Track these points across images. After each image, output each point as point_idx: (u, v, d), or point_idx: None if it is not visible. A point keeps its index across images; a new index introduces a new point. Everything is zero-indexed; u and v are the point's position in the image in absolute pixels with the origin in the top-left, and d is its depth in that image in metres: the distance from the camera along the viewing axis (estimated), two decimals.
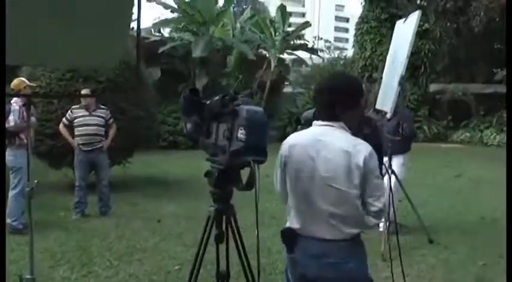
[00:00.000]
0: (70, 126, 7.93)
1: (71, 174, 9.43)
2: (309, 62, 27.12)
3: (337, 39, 63.59)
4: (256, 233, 2.55)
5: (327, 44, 30.76)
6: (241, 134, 2.49)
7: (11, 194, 6.96)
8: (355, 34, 24.17)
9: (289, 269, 2.94)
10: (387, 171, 6.89)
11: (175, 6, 20.43)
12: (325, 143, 2.72)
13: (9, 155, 6.94)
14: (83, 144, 7.83)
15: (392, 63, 6.80)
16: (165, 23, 21.02)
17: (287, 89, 25.35)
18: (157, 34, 21.02)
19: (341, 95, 2.80)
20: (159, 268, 5.77)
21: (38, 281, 5.27)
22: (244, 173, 2.69)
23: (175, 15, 21.46)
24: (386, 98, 6.32)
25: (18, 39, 3.14)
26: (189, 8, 19.63)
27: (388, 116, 7.02)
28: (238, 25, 22.59)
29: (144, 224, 7.59)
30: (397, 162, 7.07)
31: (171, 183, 11.19)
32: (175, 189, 10.44)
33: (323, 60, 27.57)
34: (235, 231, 2.86)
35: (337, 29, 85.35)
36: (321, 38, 31.79)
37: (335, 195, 2.69)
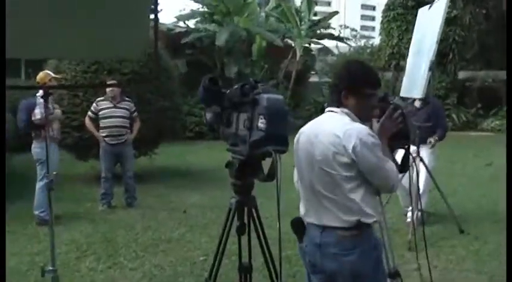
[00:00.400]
0: (96, 119, 7.95)
1: (97, 166, 9.48)
2: (335, 51, 26.86)
3: (363, 27, 62.94)
4: (278, 225, 2.48)
5: (353, 33, 30.42)
6: (261, 123, 2.43)
7: (38, 185, 7.03)
8: (382, 22, 23.79)
9: (301, 258, 2.97)
10: (414, 160, 6.82)
11: None
12: (322, 128, 2.75)
13: (36, 148, 7.03)
14: (107, 136, 7.84)
15: (418, 51, 6.66)
16: (190, 15, 20.96)
17: (313, 79, 25.14)
18: (183, 25, 20.95)
19: (345, 81, 2.83)
20: (185, 259, 5.76)
21: (63, 272, 5.36)
22: (266, 164, 2.65)
23: (199, 6, 21.41)
24: (413, 84, 6.20)
25: (37, 32, 3.13)
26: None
27: (417, 103, 6.90)
28: (263, 15, 22.45)
29: (169, 215, 7.60)
30: (426, 151, 6.97)
31: (197, 174, 11.18)
32: (201, 180, 10.43)
33: (349, 49, 27.27)
34: (257, 223, 2.80)
35: (363, 17, 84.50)
36: (347, 27, 31.47)
37: (328, 180, 2.70)
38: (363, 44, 28.52)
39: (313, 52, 24.47)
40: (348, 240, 2.73)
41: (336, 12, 24.26)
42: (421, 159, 6.76)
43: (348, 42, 27.20)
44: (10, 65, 9.42)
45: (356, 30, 32.13)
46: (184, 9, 25.01)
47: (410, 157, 3.06)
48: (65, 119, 8.92)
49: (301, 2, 23.56)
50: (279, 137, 2.46)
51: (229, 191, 3.05)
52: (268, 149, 2.43)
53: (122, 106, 7.93)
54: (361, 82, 2.83)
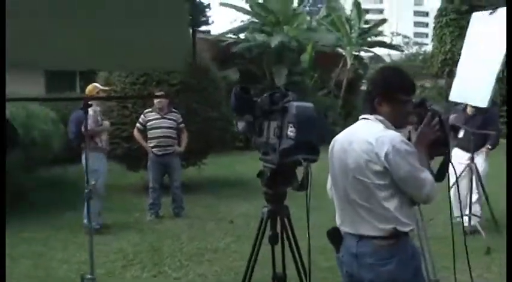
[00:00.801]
0: (144, 130, 8.08)
1: (147, 177, 9.63)
2: (387, 59, 26.55)
3: (417, 34, 62.08)
4: (307, 235, 2.44)
5: (405, 40, 30.00)
6: (290, 131, 2.41)
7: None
8: (434, 27, 23.38)
9: (338, 269, 2.91)
10: (468, 166, 6.75)
11: (248, 8, 20.54)
12: (356, 136, 2.70)
13: (85, 158, 7.16)
14: (155, 146, 7.95)
15: (477, 58, 6.51)
16: (241, 29, 21.13)
17: (365, 87, 24.90)
18: (233, 36, 21.15)
19: (380, 87, 2.77)
20: (229, 269, 5.76)
21: (109, 281, 5.47)
22: (300, 172, 2.63)
23: (249, 17, 21.58)
24: (475, 92, 6.10)
25: (81, 45, 3.20)
26: (262, 10, 19.69)
27: (470, 110, 6.82)
28: (313, 24, 22.42)
29: (216, 225, 7.63)
30: (480, 158, 6.91)
31: (246, 184, 11.17)
32: (249, 190, 10.40)
33: (401, 57, 26.90)
34: (289, 233, 2.76)
35: (416, 24, 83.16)
36: (399, 34, 31.06)
37: (362, 188, 2.64)
38: (414, 51, 28.05)
39: (364, 60, 24.26)
40: (385, 250, 2.66)
41: (385, 20, 23.97)
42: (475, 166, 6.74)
43: (401, 49, 26.84)
44: (66, 78, 9.76)
45: (408, 37, 31.69)
46: (235, 20, 25.32)
47: (462, 165, 2.98)
48: (115, 130, 9.12)
49: (351, 11, 23.43)
50: (309, 145, 2.43)
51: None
52: (298, 158, 2.39)
53: (169, 117, 8.04)
54: (396, 88, 2.77)
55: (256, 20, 20.65)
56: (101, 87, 7.53)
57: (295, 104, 2.44)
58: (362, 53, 24.25)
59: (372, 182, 2.61)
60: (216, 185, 10.99)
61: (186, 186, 10.06)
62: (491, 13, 6.51)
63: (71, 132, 7.35)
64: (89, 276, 3.60)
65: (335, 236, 2.84)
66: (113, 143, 9.64)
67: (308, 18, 23.07)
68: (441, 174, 3.03)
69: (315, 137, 2.48)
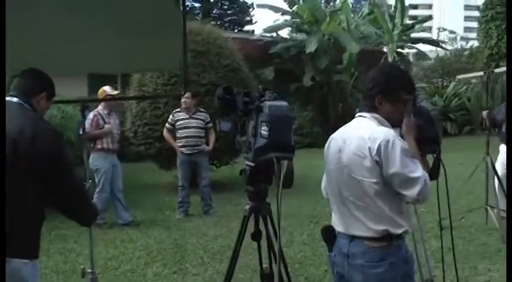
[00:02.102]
0: (173, 130, 8.26)
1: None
2: (432, 55, 26.06)
3: (467, 29, 60.55)
4: (278, 232, 2.48)
5: (452, 35, 29.37)
6: (264, 130, 2.46)
7: (95, 192, 7.56)
8: (480, 22, 22.77)
9: (330, 268, 2.90)
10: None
11: (287, 8, 20.59)
12: (350, 133, 2.68)
13: (90, 158, 7.56)
14: (183, 146, 8.13)
15: None
16: (276, 27, 21.20)
17: None
18: (273, 34, 21.22)
19: (381, 85, 2.72)
20: (247, 266, 5.80)
21: (130, 277, 5.64)
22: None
23: (288, 17, 21.61)
24: None
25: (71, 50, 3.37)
26: (300, 9, 19.71)
27: None
28: (354, 21, 22.28)
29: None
30: (501, 157, 6.82)
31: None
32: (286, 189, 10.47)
33: (446, 53, 26.34)
34: (270, 230, 2.82)
35: (466, 18, 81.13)
36: (445, 29, 30.43)
37: (356, 186, 2.61)
38: (460, 47, 27.41)
39: (407, 57, 23.92)
40: (376, 252, 2.62)
41: (430, 16, 23.54)
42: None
43: (445, 45, 26.31)
44: (107, 80, 9.95)
45: (455, 33, 30.96)
46: (278, 20, 25.39)
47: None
48: (148, 130, 9.36)
49: (395, 7, 23.13)
50: (282, 143, 2.47)
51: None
52: (271, 156, 2.44)
53: (197, 117, 8.19)
54: (398, 87, 2.72)
55: (296, 19, 20.66)
56: (109, 91, 7.82)
57: (268, 103, 2.49)
58: (406, 50, 23.91)
59: (366, 179, 2.57)
60: None
61: (219, 185, 10.24)
62: None
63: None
64: (89, 270, 3.75)
65: (328, 234, 2.82)
66: (146, 143, 9.91)
67: (351, 15, 22.90)
68: (434, 172, 3.01)
69: (289, 135, 2.52)
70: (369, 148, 2.53)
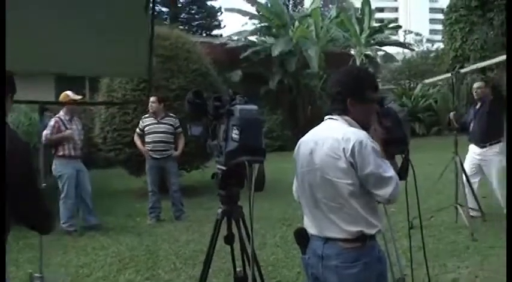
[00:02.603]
0: (142, 135, 8.20)
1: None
2: (400, 57, 26.44)
3: (432, 31, 61.46)
4: (251, 235, 2.49)
5: (417, 37, 29.83)
6: (235, 134, 2.47)
7: (60, 199, 7.57)
8: (444, 24, 23.20)
9: (304, 270, 2.88)
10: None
11: (254, 12, 20.66)
12: (322, 135, 2.68)
13: (53, 164, 7.60)
14: (151, 151, 8.09)
15: None
16: (248, 33, 21.26)
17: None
18: (241, 38, 21.25)
19: (351, 88, 2.73)
20: (221, 270, 5.80)
21: None
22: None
23: (256, 21, 21.70)
24: None
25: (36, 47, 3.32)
26: (268, 13, 19.79)
27: None
28: (322, 25, 22.47)
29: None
30: (493, 152, 6.98)
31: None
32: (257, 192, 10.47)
33: (412, 55, 26.77)
34: (243, 233, 2.82)
35: (432, 21, 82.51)
36: (411, 32, 30.91)
37: (329, 187, 2.61)
38: (426, 49, 27.87)
39: (375, 59, 24.21)
40: (350, 253, 2.63)
41: (396, 19, 23.93)
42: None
43: (412, 47, 26.73)
44: (76, 82, 9.89)
45: (421, 35, 31.46)
46: (246, 23, 25.46)
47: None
48: (117, 136, 9.28)
49: (361, 10, 23.42)
50: (253, 147, 2.48)
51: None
52: (242, 160, 2.45)
53: (165, 122, 8.15)
54: (366, 87, 2.76)
55: (264, 24, 20.75)
56: (72, 96, 7.72)
57: (239, 107, 2.50)
58: (373, 52, 24.20)
59: (339, 181, 2.58)
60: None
61: (190, 189, 10.20)
62: None
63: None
64: (37, 275, 3.70)
65: (301, 237, 2.81)
66: (115, 149, 9.82)
67: (320, 19, 23.10)
68: (403, 172, 3.05)
69: (260, 138, 2.52)
70: (343, 149, 2.55)
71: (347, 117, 2.71)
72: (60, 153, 7.51)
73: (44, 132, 7.25)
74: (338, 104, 2.74)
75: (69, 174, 7.54)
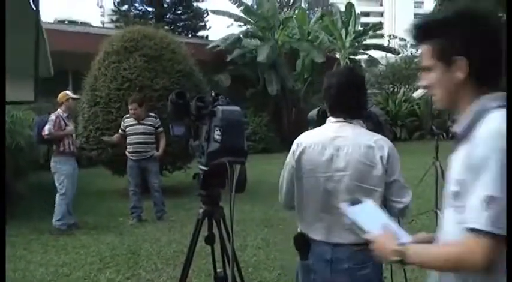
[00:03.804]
0: (125, 135, 8.16)
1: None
2: (384, 62, 26.61)
3: None
4: (231, 236, 2.51)
5: (402, 42, 30.01)
6: (217, 134, 2.48)
7: (56, 196, 7.57)
8: None
9: (300, 276, 2.81)
10: None
11: (241, 14, 20.67)
12: (345, 140, 2.61)
13: (52, 161, 7.60)
14: (132, 152, 8.05)
15: None
16: (233, 37, 21.25)
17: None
18: (227, 40, 21.24)
19: (364, 89, 2.79)
20: (201, 271, 5.81)
21: None
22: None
23: (241, 23, 21.72)
24: None
25: None
26: (253, 16, 19.81)
27: None
28: (307, 28, 22.56)
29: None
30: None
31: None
32: (239, 194, 10.47)
33: (396, 60, 26.94)
34: (223, 234, 2.84)
35: None
36: (396, 37, 31.11)
37: (360, 195, 2.51)
38: (410, 54, 28.06)
39: (360, 63, 24.33)
40: (362, 253, 2.52)
41: (380, 23, 24.07)
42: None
43: (396, 52, 26.90)
44: (59, 78, 9.84)
45: (405, 40, 31.63)
46: (232, 25, 25.43)
47: None
48: (100, 135, 9.24)
49: (345, 14, 23.54)
50: (235, 148, 2.50)
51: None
52: (224, 160, 2.46)
53: (145, 122, 8.12)
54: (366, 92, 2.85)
55: (250, 26, 20.78)
56: (71, 95, 7.80)
57: (221, 108, 2.52)
58: (358, 56, 24.32)
59: (375, 188, 2.57)
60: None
61: (172, 190, 10.18)
62: None
63: (34, 136, 7.83)
64: None
65: (302, 242, 2.75)
66: (98, 148, 9.77)
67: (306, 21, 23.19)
68: None
69: (242, 140, 2.54)
70: (380, 157, 2.55)
71: (360, 121, 2.71)
72: (61, 148, 7.50)
73: (47, 127, 7.34)
74: (353, 107, 2.70)
75: (68, 172, 7.56)
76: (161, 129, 8.13)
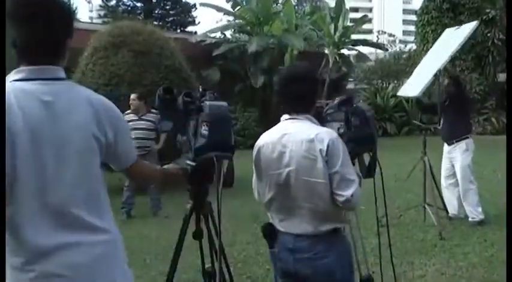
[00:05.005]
0: None
1: (124, 178, 9.66)
2: (372, 57, 26.67)
3: (405, 32, 62.24)
4: (219, 230, 2.50)
5: (391, 38, 30.12)
6: (204, 130, 2.48)
7: None
8: (417, 26, 23.50)
9: (272, 264, 2.93)
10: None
11: (230, 8, 20.61)
12: (290, 136, 2.69)
13: None
14: None
15: (433, 59, 7.34)
16: (222, 28, 21.19)
17: (350, 85, 25.07)
18: (216, 35, 21.20)
19: (315, 87, 2.83)
20: (190, 266, 5.78)
21: None
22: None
23: (230, 18, 21.66)
24: (410, 85, 7.32)
25: None
26: (243, 10, 19.75)
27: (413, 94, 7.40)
28: (296, 23, 22.53)
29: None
30: (459, 149, 7.04)
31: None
32: (227, 189, 10.47)
33: (385, 55, 27.03)
34: (211, 229, 2.84)
35: (405, 22, 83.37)
36: (384, 32, 31.21)
37: (304, 188, 2.64)
38: (399, 49, 28.17)
39: (349, 58, 24.35)
40: (322, 244, 2.68)
41: (368, 18, 24.07)
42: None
43: (385, 47, 26.96)
44: None
45: (394, 36, 31.77)
46: (221, 20, 25.34)
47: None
48: None
49: (335, 9, 23.52)
50: (223, 143, 2.50)
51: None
52: (210, 155, 2.46)
53: (146, 118, 8.14)
54: (319, 86, 2.88)
55: (238, 20, 20.72)
56: None
57: (208, 103, 2.51)
58: (347, 52, 24.34)
59: (318, 181, 2.60)
60: None
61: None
62: (457, 28, 7.58)
63: None
64: None
65: (269, 231, 2.85)
66: None
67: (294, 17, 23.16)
68: (370, 170, 3.10)
69: (229, 135, 2.54)
70: (320, 150, 2.58)
71: (309, 116, 2.76)
72: None
73: None
74: (302, 103, 2.77)
75: None
76: None
